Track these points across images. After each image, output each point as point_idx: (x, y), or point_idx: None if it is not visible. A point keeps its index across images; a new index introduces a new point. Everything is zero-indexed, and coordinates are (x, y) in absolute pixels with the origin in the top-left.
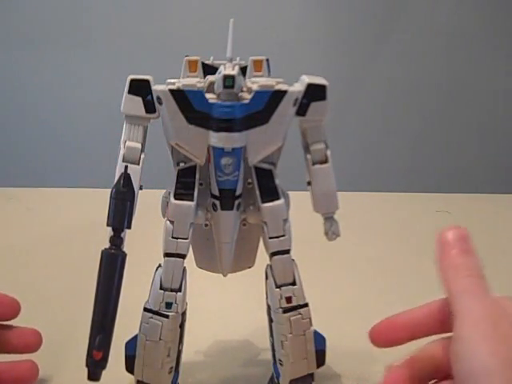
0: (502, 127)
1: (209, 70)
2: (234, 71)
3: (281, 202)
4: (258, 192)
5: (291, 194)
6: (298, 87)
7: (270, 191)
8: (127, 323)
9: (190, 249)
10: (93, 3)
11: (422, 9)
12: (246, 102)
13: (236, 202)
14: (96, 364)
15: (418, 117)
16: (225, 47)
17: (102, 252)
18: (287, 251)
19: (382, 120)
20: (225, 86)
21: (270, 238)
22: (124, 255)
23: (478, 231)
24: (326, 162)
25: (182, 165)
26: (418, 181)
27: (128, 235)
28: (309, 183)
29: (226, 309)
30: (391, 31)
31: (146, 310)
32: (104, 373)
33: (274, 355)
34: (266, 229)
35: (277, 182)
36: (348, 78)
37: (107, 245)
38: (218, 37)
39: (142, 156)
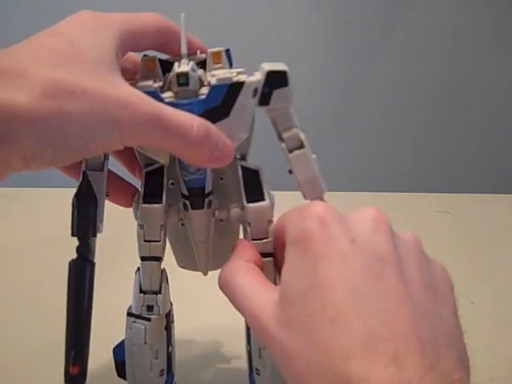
0: (503, 127)
1: (169, 66)
2: (188, 67)
3: (266, 203)
4: (243, 192)
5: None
6: (257, 76)
7: (256, 192)
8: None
9: (170, 249)
10: (94, 3)
11: (423, 9)
12: (203, 97)
13: (206, 200)
14: (73, 380)
15: (418, 117)
16: (225, 47)
17: (69, 263)
18: (270, 254)
19: (383, 120)
20: (179, 84)
21: (253, 239)
22: (92, 264)
23: (478, 231)
24: (302, 147)
25: (149, 167)
26: (418, 181)
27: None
28: (290, 172)
29: (225, 309)
30: (392, 32)
31: (129, 314)
32: (101, 378)
33: (250, 364)
34: (249, 230)
35: (263, 182)
36: (348, 78)
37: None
38: (218, 37)
39: (107, 162)
